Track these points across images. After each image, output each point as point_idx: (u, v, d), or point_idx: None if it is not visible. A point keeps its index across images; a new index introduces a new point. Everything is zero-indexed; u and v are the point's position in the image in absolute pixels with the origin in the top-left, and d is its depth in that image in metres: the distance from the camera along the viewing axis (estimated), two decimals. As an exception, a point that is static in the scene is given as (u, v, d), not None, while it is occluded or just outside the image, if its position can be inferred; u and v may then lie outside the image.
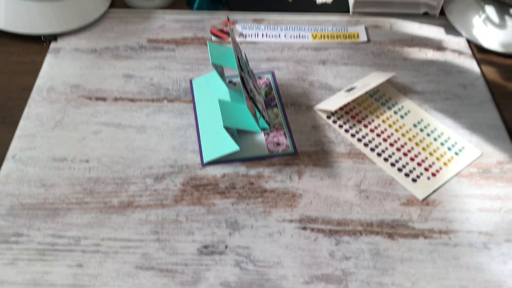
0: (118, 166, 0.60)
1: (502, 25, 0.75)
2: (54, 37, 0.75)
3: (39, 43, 0.75)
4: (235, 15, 0.81)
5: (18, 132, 0.63)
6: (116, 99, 0.67)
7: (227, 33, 0.78)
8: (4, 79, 0.70)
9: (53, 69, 0.71)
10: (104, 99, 0.67)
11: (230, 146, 0.60)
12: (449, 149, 0.63)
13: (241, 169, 0.60)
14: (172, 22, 0.79)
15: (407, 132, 0.65)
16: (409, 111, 0.68)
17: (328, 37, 0.78)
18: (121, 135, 0.63)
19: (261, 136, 0.64)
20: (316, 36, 0.78)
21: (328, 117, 0.66)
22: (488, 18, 0.76)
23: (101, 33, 0.76)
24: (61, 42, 0.75)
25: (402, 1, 0.81)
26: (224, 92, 0.67)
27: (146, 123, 0.65)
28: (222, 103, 0.61)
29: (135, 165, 0.60)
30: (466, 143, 0.64)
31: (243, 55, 0.68)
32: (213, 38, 0.77)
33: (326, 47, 0.77)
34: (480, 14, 0.77)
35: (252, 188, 0.58)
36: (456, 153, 0.63)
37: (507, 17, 0.75)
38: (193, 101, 0.68)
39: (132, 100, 0.67)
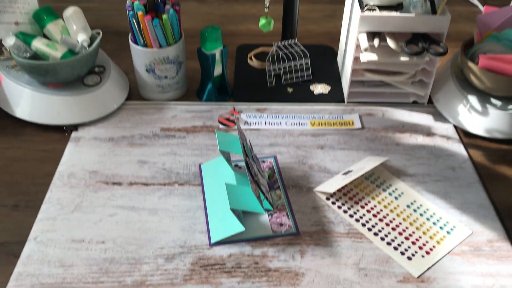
0: (131, 247, 0.64)
1: (484, 112, 0.82)
2: (75, 127, 0.82)
3: (61, 133, 0.82)
4: (241, 105, 0.89)
5: (40, 215, 0.67)
6: (131, 184, 0.73)
7: (233, 122, 0.85)
8: (29, 166, 0.76)
9: (74, 156, 0.77)
10: (120, 184, 0.73)
11: (236, 227, 0.64)
12: (441, 228, 0.67)
13: (247, 248, 0.64)
14: (183, 112, 0.87)
15: (401, 212, 0.70)
16: (402, 193, 0.73)
17: (325, 124, 0.85)
18: (135, 217, 0.68)
19: (265, 217, 0.68)
20: (314, 123, 0.85)
21: (328, 199, 0.71)
22: (471, 106, 0.83)
23: (118, 123, 0.84)
24: (81, 131, 0.82)
25: (393, 92, 0.89)
26: (230, 176, 0.73)
27: (158, 205, 0.70)
28: (228, 186, 0.66)
29: (147, 245, 0.64)
30: (457, 223, 0.68)
31: (248, 142, 0.74)
32: (221, 126, 0.84)
33: (323, 133, 0.83)
34: (464, 102, 0.84)
35: (257, 267, 0.62)
36: (448, 232, 0.67)
37: (488, 105, 0.82)
38: (201, 184, 0.73)
39: (145, 184, 0.73)
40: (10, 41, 0.78)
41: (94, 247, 0.63)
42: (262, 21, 0.86)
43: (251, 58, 1.00)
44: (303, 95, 0.92)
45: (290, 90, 0.93)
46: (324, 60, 1.01)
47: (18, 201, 0.70)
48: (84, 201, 0.70)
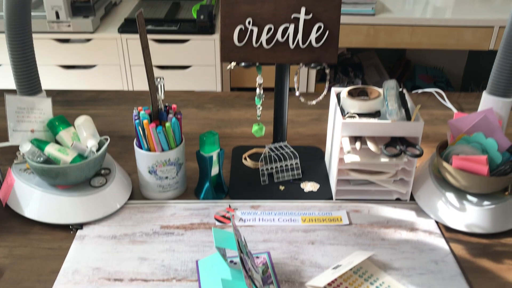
0: None
1: (462, 208, 0.88)
2: (80, 226, 0.88)
3: (67, 231, 0.87)
4: (236, 203, 0.95)
5: (43, 312, 0.71)
6: (131, 280, 0.77)
7: (229, 219, 0.91)
8: (35, 263, 0.80)
9: (78, 254, 0.82)
10: (121, 280, 0.76)
11: (231, 321, 0.67)
12: (427, 320, 0.71)
13: None
14: (182, 210, 0.93)
15: (388, 305, 0.73)
16: (389, 286, 0.77)
17: (315, 220, 0.91)
18: (135, 313, 0.71)
19: (259, 312, 0.72)
20: (305, 219, 0.91)
21: (318, 293, 0.75)
22: (450, 203, 0.90)
23: (121, 221, 0.89)
24: (86, 229, 0.87)
25: (377, 189, 0.96)
26: (226, 271, 0.77)
27: (157, 301, 0.73)
28: (224, 281, 0.70)
29: None
30: (442, 315, 0.72)
31: (242, 239, 0.79)
32: (217, 223, 0.90)
33: (314, 229, 0.89)
34: (443, 199, 0.91)
35: None
36: (434, 324, 0.70)
37: (465, 202, 0.89)
38: (198, 280, 0.77)
39: (145, 280, 0.77)
40: (26, 148, 0.86)
41: None
42: (255, 128, 0.95)
43: (245, 159, 1.08)
44: (294, 193, 0.99)
45: (282, 188, 1.00)
46: (313, 160, 1.09)
47: (23, 298, 0.74)
48: (86, 298, 0.73)
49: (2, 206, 0.92)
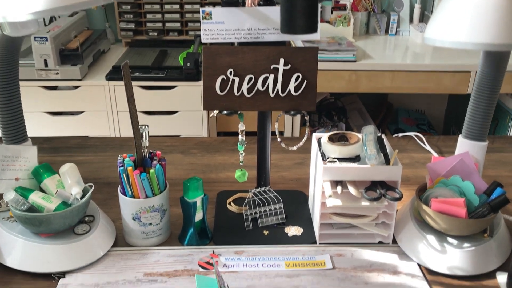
0: None
1: (443, 251, 0.90)
2: (63, 274, 0.87)
3: (49, 280, 0.86)
4: (220, 249, 0.95)
5: None
6: (113, 330, 0.76)
7: (213, 265, 0.91)
8: (15, 314, 0.79)
9: (59, 303, 0.81)
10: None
11: None
12: None
13: None
14: (166, 257, 0.92)
15: None
16: (373, 331, 0.77)
17: (299, 265, 0.91)
18: None
19: None
20: (289, 264, 0.91)
21: None
22: (431, 246, 0.91)
23: (104, 269, 0.89)
24: (68, 278, 0.86)
25: (359, 233, 0.97)
26: (209, 319, 0.77)
27: None
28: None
29: None
30: None
31: (226, 285, 0.79)
32: (201, 269, 0.90)
33: (298, 274, 0.89)
34: (424, 242, 0.92)
35: None
36: None
37: (446, 244, 0.90)
38: (181, 328, 0.77)
39: (127, 330, 0.76)
40: (10, 196, 0.86)
41: None
42: (238, 173, 0.96)
43: (230, 204, 1.09)
44: (278, 237, 0.99)
45: (266, 232, 1.00)
46: (296, 204, 1.10)
47: None
48: None
49: (-17, 255, 0.92)
